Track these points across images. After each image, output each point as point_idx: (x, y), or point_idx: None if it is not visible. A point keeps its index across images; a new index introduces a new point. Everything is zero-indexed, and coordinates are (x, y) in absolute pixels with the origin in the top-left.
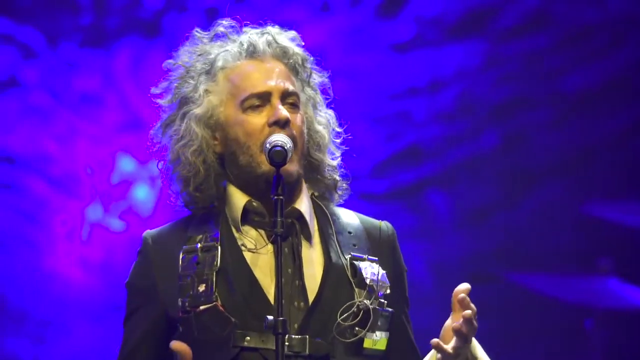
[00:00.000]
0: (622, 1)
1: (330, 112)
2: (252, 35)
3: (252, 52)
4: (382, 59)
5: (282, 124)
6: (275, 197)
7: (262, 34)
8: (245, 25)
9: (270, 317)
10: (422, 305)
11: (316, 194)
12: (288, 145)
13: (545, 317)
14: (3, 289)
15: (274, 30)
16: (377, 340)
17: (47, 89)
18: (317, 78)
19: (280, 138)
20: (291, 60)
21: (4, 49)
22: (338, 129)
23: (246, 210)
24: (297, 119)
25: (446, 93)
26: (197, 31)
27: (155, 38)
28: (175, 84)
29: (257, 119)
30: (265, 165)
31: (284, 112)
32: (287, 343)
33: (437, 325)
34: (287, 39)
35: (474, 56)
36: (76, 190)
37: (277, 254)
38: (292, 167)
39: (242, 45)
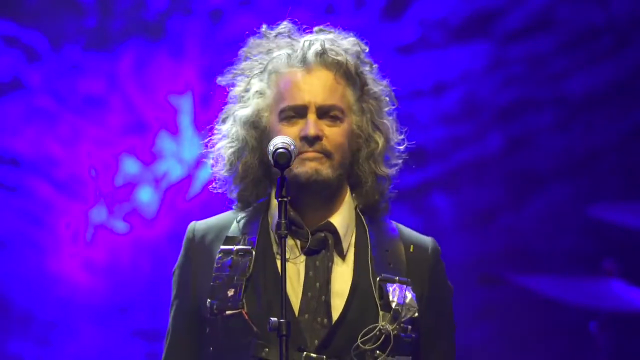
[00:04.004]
0: (627, 3)
1: (392, 119)
2: (305, 42)
3: (301, 61)
4: (387, 61)
5: (310, 141)
6: (280, 199)
7: (315, 42)
8: (307, 28)
9: (274, 319)
10: None
11: (360, 206)
12: (291, 147)
13: (550, 319)
14: (8, 291)
15: (328, 36)
16: None
17: (52, 91)
18: (377, 86)
19: (284, 140)
20: (343, 69)
21: (8, 51)
22: (398, 138)
23: None
24: (335, 132)
25: (451, 95)
26: (264, 28)
27: (160, 40)
28: (233, 81)
29: (290, 131)
30: (295, 169)
31: (312, 129)
32: None
33: None
34: (340, 47)
35: (478, 58)
36: (80, 192)
37: (282, 258)
38: (324, 169)
39: (295, 51)
